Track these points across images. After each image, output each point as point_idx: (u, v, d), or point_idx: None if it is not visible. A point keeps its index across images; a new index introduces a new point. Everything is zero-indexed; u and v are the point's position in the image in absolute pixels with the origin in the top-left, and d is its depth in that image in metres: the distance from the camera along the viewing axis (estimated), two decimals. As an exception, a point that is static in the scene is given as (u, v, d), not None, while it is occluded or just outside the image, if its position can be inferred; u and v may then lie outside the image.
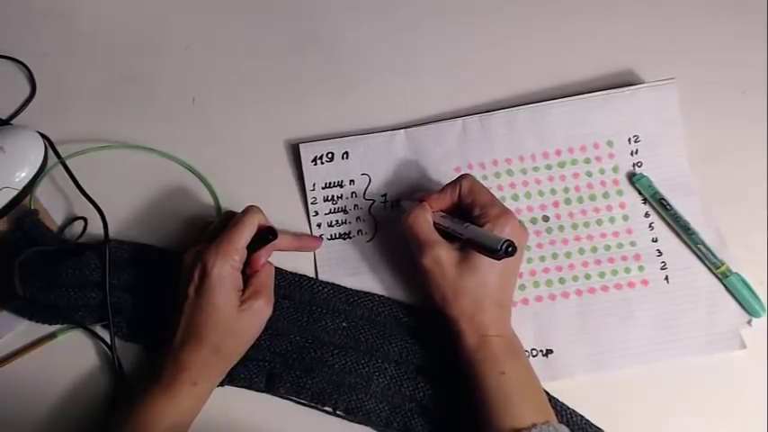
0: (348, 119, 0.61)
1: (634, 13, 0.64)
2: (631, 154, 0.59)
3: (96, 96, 0.62)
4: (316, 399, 0.53)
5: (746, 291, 0.55)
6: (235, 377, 0.53)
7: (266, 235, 0.51)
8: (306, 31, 0.64)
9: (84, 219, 0.57)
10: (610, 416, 0.52)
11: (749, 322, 0.55)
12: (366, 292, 0.56)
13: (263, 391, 0.54)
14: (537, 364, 0.54)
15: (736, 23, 0.64)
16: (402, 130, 0.60)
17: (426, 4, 0.65)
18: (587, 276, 0.57)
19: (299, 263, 0.57)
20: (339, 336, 0.55)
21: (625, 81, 0.61)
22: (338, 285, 0.57)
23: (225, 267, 0.48)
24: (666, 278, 0.56)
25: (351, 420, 0.53)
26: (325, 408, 0.53)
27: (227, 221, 0.51)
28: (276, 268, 0.56)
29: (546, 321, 0.56)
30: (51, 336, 0.55)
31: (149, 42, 0.64)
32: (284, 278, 0.56)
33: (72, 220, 0.57)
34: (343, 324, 0.55)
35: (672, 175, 0.58)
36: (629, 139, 0.59)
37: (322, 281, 0.57)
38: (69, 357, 0.55)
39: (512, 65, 0.63)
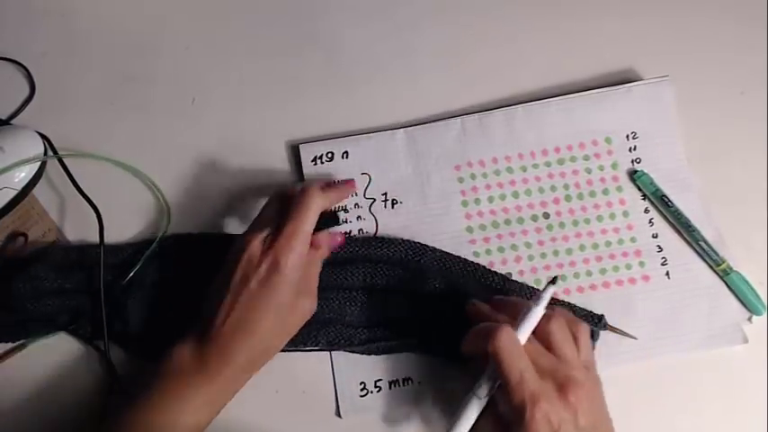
0: (348, 119, 0.61)
1: (633, 13, 0.64)
2: (630, 150, 0.59)
3: (96, 96, 0.62)
4: (301, 343, 0.53)
5: (747, 288, 0.55)
6: None
7: (328, 219, 0.52)
8: (306, 31, 0.64)
9: (84, 219, 0.57)
10: (610, 411, 0.52)
11: (749, 319, 0.55)
12: None
13: None
14: (538, 362, 0.54)
15: (735, 24, 0.64)
16: (401, 130, 0.60)
17: (426, 4, 0.65)
18: (588, 273, 0.57)
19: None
20: None
21: (624, 81, 0.61)
22: None
23: (296, 263, 0.47)
24: (667, 274, 0.56)
25: (336, 350, 0.54)
26: (309, 347, 0.54)
27: (281, 202, 0.51)
28: None
29: (547, 319, 0.56)
30: (20, 347, 0.54)
31: (149, 42, 0.64)
32: None
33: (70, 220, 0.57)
34: None
35: (670, 171, 0.59)
36: (628, 136, 0.59)
37: None
38: (45, 363, 0.55)
39: (511, 64, 0.63)
